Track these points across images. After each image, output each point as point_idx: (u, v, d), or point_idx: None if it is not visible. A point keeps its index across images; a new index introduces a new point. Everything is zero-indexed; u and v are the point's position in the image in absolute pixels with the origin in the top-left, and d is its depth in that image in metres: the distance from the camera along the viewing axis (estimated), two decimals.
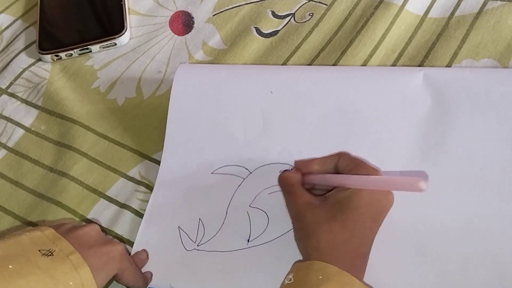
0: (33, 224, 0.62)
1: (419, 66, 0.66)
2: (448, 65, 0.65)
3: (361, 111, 0.60)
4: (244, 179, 0.60)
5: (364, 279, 0.50)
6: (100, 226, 0.61)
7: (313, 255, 0.49)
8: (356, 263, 0.49)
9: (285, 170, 0.58)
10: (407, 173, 0.57)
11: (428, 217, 0.54)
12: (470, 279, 0.51)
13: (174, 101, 0.65)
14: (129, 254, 0.57)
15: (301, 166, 0.57)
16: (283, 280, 0.49)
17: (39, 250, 0.48)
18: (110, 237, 0.60)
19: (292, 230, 0.54)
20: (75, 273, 0.47)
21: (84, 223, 0.61)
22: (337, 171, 0.55)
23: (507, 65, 0.63)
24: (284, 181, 0.56)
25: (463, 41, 0.66)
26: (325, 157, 0.57)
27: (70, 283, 0.47)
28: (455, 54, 0.65)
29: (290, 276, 0.48)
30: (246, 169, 0.60)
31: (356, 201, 0.50)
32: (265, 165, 0.60)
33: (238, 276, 0.55)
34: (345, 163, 0.54)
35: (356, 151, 0.58)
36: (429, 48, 0.67)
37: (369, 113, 0.60)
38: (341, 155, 0.56)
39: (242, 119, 0.62)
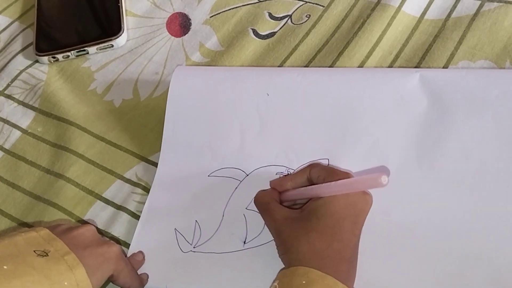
0: (30, 226, 0.62)
1: (415, 67, 0.65)
2: (445, 67, 0.65)
3: (358, 112, 0.60)
4: (241, 181, 0.60)
5: (363, 279, 0.50)
6: (97, 228, 0.60)
7: (297, 266, 0.49)
8: (342, 268, 0.48)
9: (261, 190, 0.57)
10: (371, 171, 0.57)
11: (425, 218, 0.54)
12: (468, 279, 0.51)
13: (171, 103, 0.65)
14: (126, 256, 0.57)
15: (276, 186, 0.57)
16: None
17: (34, 251, 0.48)
18: (106, 238, 0.60)
19: None
20: (70, 274, 0.48)
21: (80, 224, 0.61)
22: (311, 183, 0.55)
23: (504, 66, 0.63)
24: (259, 200, 0.56)
25: (459, 42, 0.66)
26: (296, 172, 0.58)
27: (65, 283, 0.47)
28: (452, 56, 0.65)
29: (275, 284, 0.48)
30: (243, 171, 0.60)
31: (331, 207, 0.50)
32: (262, 167, 0.60)
33: (234, 277, 0.55)
34: (316, 174, 0.54)
35: (353, 153, 0.58)
36: (426, 50, 0.67)
37: (366, 115, 0.60)
38: (312, 167, 0.56)
39: (239, 121, 0.62)
